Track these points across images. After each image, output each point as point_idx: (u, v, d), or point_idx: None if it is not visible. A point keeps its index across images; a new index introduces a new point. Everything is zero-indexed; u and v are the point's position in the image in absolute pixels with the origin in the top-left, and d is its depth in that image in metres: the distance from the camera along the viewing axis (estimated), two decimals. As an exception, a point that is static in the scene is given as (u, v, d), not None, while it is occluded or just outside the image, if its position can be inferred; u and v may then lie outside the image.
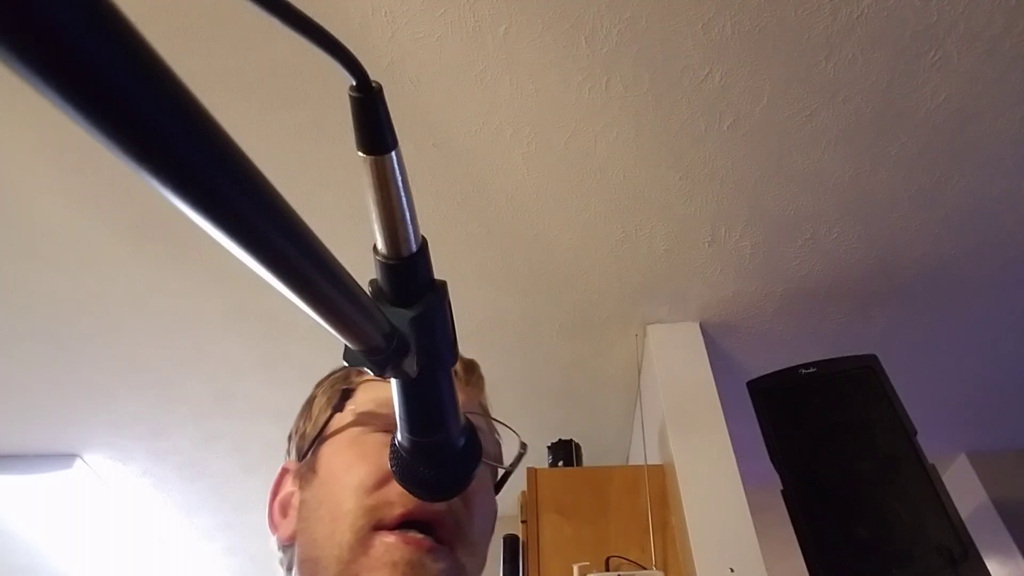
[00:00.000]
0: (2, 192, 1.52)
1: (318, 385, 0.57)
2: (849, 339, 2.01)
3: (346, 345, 0.31)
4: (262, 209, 0.21)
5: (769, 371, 1.45)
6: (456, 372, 0.56)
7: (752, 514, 1.48)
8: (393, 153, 0.29)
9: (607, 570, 1.44)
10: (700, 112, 1.42)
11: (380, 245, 0.32)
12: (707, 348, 1.87)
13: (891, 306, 1.93)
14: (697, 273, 1.79)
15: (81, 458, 2.28)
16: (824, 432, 1.34)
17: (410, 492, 0.40)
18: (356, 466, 0.46)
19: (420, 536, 0.43)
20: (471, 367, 0.58)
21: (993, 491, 2.46)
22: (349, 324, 0.28)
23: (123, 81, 0.15)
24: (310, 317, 0.26)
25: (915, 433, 1.28)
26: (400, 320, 0.32)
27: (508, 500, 1.33)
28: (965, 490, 2.52)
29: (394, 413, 0.37)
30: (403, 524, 0.43)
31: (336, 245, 0.27)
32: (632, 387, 2.12)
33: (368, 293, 0.32)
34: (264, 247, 0.21)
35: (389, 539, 0.42)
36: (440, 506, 0.44)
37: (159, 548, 2.74)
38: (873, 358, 1.39)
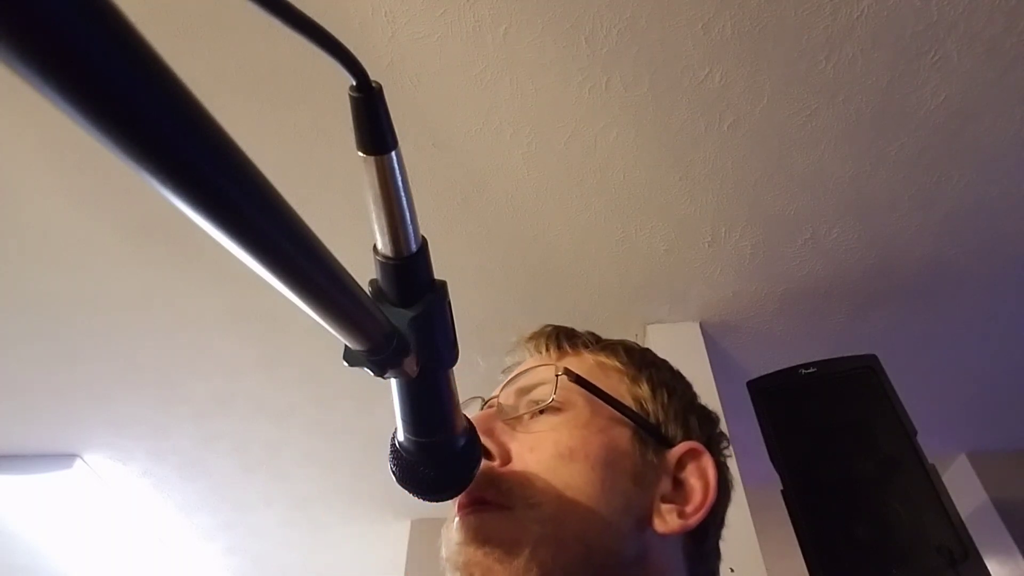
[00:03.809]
0: (1, 192, 1.52)
1: None
2: (849, 339, 2.00)
3: (346, 345, 0.31)
4: (262, 209, 0.21)
5: (769, 371, 1.45)
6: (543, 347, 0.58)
7: (752, 514, 1.48)
8: (393, 153, 0.29)
9: (607, 570, 1.43)
10: (700, 112, 1.42)
11: (380, 245, 0.32)
12: (707, 348, 1.87)
13: (891, 306, 1.93)
14: (697, 273, 1.79)
15: (81, 458, 2.27)
16: (824, 432, 1.34)
17: (410, 492, 0.40)
18: None
19: (463, 508, 0.46)
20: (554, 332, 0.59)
21: (993, 491, 2.46)
22: (349, 324, 0.28)
23: (123, 81, 0.15)
24: (310, 317, 0.26)
25: (915, 433, 1.28)
26: (400, 320, 0.32)
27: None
28: (965, 490, 2.52)
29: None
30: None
31: (336, 245, 0.27)
32: (632, 387, 2.12)
33: (368, 293, 0.32)
34: (264, 247, 0.21)
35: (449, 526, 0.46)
36: (478, 479, 0.44)
37: (159, 548, 2.74)
38: (873, 358, 1.39)
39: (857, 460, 1.29)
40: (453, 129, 1.43)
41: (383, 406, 2.12)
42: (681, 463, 0.51)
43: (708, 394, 1.72)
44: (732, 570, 1.39)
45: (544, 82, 1.35)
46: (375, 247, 0.32)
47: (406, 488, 0.40)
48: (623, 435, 0.50)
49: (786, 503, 1.27)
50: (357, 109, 0.28)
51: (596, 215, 1.63)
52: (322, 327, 0.27)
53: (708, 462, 0.51)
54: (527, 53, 1.31)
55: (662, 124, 1.44)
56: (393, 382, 0.36)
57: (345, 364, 0.31)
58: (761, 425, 1.38)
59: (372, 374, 0.32)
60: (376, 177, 0.29)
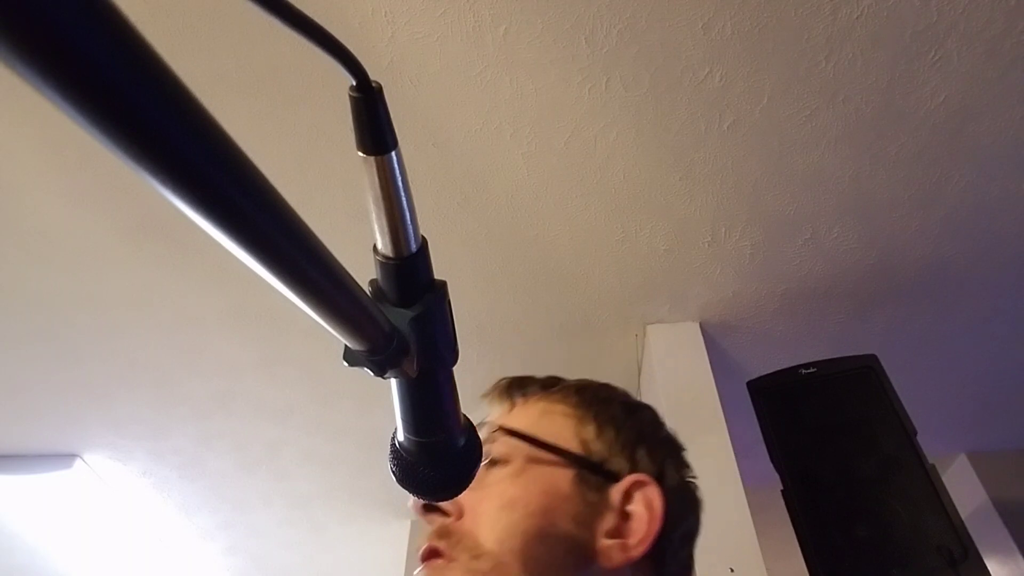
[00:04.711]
0: (1, 192, 1.52)
1: None
2: (849, 339, 2.00)
3: (346, 345, 0.31)
4: (262, 209, 0.21)
5: (769, 371, 1.45)
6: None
7: (752, 514, 1.48)
8: (393, 153, 0.29)
9: (607, 570, 1.43)
10: (700, 112, 1.42)
11: (380, 245, 0.32)
12: (707, 348, 1.87)
13: (891, 306, 1.93)
14: (697, 273, 1.79)
15: (81, 458, 2.28)
16: (824, 432, 1.34)
17: (411, 493, 0.40)
18: None
19: (421, 560, 0.49)
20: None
21: (993, 491, 2.46)
22: (349, 324, 0.28)
23: (122, 81, 0.15)
24: (310, 317, 0.26)
25: (915, 433, 1.28)
26: (400, 320, 0.32)
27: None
28: (965, 490, 2.52)
29: None
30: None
31: (336, 245, 0.27)
32: (632, 387, 2.12)
33: (368, 293, 0.32)
34: (264, 247, 0.21)
35: None
36: (432, 526, 0.50)
37: (159, 548, 2.74)
38: (873, 358, 1.39)
39: (857, 460, 1.29)
40: (453, 129, 1.43)
41: (383, 406, 2.12)
42: (628, 495, 0.53)
43: (708, 394, 1.73)
44: (732, 570, 1.39)
45: (544, 82, 1.35)
46: (375, 247, 0.32)
47: (406, 488, 0.40)
48: (564, 478, 0.52)
49: (786, 503, 1.27)
50: (357, 109, 0.28)
51: (596, 215, 1.63)
52: (322, 327, 0.27)
53: (654, 492, 0.52)
54: (527, 53, 1.31)
55: (662, 124, 1.44)
56: (393, 382, 0.36)
57: (345, 364, 0.31)
58: (761, 425, 1.39)
59: (372, 374, 0.32)
60: (376, 177, 0.29)
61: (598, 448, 0.55)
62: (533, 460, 0.53)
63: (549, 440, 0.54)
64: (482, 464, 0.52)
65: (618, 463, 0.55)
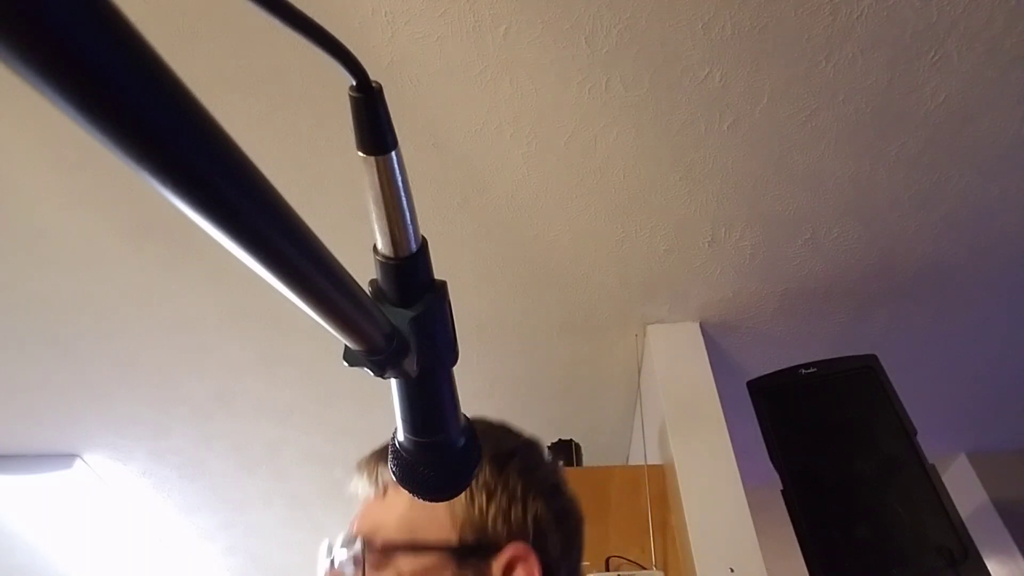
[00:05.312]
0: (1, 192, 1.52)
1: None
2: (849, 339, 2.00)
3: (346, 345, 0.31)
4: (262, 209, 0.21)
5: (769, 371, 1.45)
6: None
7: (752, 514, 1.48)
8: (393, 153, 0.29)
9: (607, 570, 1.44)
10: (700, 112, 1.42)
11: (380, 245, 0.32)
12: (707, 348, 1.87)
13: (891, 306, 1.93)
14: (697, 273, 1.79)
15: (81, 458, 2.28)
16: (824, 432, 1.35)
17: (412, 493, 0.40)
18: None
19: None
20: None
21: (993, 491, 2.46)
22: (349, 324, 0.28)
23: (123, 81, 0.15)
24: (310, 317, 0.26)
25: (915, 433, 1.28)
26: (400, 320, 0.32)
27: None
28: (965, 490, 2.52)
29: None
30: None
31: (336, 245, 0.27)
32: (632, 387, 2.12)
33: (368, 293, 0.32)
34: (264, 247, 0.21)
35: None
36: None
37: (159, 548, 2.74)
38: (873, 358, 1.39)
39: (857, 460, 1.29)
40: (453, 129, 1.43)
41: (383, 406, 2.12)
42: (511, 566, 0.53)
43: (708, 394, 1.73)
44: (732, 570, 1.39)
45: (544, 82, 1.35)
46: (375, 247, 0.32)
47: (406, 488, 0.40)
48: (442, 570, 0.52)
49: (786, 503, 1.27)
50: (357, 109, 0.28)
51: (596, 215, 1.63)
52: (322, 327, 0.27)
53: (532, 563, 0.53)
54: (527, 53, 1.31)
55: (662, 124, 1.44)
56: (393, 382, 0.36)
57: (345, 364, 0.31)
58: (761, 425, 1.39)
59: (372, 374, 0.32)
60: (376, 177, 0.29)
61: (473, 519, 0.54)
62: (407, 557, 0.52)
63: (419, 539, 0.53)
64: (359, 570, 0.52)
65: (494, 531, 0.54)
